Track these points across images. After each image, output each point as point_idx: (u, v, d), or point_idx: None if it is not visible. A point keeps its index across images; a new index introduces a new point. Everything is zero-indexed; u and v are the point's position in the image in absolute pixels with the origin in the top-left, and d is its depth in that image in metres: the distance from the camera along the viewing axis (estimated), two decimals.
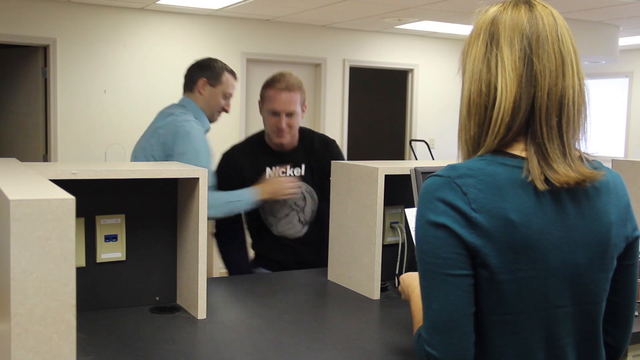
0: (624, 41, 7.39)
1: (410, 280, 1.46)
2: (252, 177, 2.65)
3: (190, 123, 2.69)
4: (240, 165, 2.70)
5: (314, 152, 2.75)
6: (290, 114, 2.64)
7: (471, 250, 1.10)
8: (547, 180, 1.12)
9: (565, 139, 1.15)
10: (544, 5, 1.19)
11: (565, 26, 1.18)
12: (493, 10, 1.20)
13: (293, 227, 2.70)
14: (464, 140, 1.21)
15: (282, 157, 2.71)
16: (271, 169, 2.67)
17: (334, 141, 2.84)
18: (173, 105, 2.88)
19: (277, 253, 2.71)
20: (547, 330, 1.15)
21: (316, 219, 2.73)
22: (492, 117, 1.15)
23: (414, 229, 1.72)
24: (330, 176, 2.68)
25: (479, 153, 1.18)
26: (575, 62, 1.17)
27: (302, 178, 2.69)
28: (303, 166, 2.71)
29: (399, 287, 1.55)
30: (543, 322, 1.14)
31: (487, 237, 1.09)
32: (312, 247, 2.70)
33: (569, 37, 1.17)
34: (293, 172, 2.69)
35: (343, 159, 2.78)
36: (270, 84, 2.70)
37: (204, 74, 2.86)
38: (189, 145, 2.60)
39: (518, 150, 1.16)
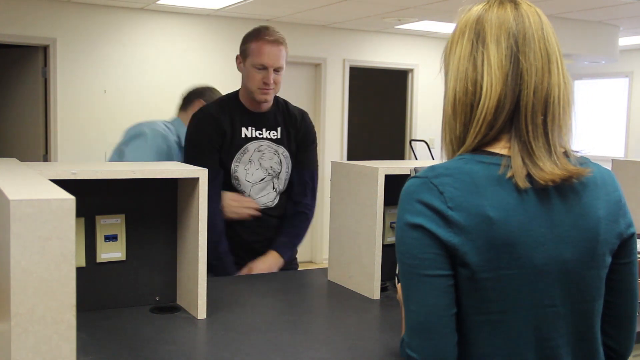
0: (624, 41, 7.39)
1: None
2: (230, 139, 2.52)
3: (142, 126, 3.03)
4: (222, 124, 2.53)
5: (291, 117, 2.65)
6: (278, 70, 2.51)
7: (450, 249, 1.09)
8: (530, 178, 1.11)
9: (550, 137, 1.14)
10: (528, 4, 1.19)
11: (550, 25, 1.18)
12: (477, 8, 1.19)
13: (267, 194, 2.59)
14: (448, 140, 1.20)
15: (257, 118, 2.58)
16: (247, 129, 2.56)
17: (307, 113, 2.75)
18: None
19: (242, 227, 2.56)
20: (536, 331, 1.13)
21: (286, 189, 2.65)
22: (476, 116, 1.14)
23: None
24: (307, 147, 2.68)
25: (459, 152, 1.17)
26: (560, 60, 1.16)
27: (279, 141, 2.61)
28: (279, 129, 2.61)
29: (397, 296, 1.54)
30: (531, 322, 1.12)
31: (465, 235, 1.08)
32: (278, 222, 2.64)
33: (553, 36, 1.17)
34: (269, 134, 2.59)
35: (315, 133, 2.74)
36: (255, 36, 2.52)
37: (201, 97, 3.08)
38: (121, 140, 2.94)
39: (498, 148, 1.15)
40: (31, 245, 1.04)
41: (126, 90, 6.26)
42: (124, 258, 1.90)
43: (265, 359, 1.55)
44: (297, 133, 2.66)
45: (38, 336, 1.06)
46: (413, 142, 7.74)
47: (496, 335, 1.12)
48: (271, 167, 2.59)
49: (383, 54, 7.59)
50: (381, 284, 2.07)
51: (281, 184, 2.63)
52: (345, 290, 2.15)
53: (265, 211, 2.60)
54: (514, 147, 1.13)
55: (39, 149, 6.03)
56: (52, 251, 1.06)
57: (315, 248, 7.33)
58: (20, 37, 5.82)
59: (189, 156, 2.53)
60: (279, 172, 2.62)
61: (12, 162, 1.84)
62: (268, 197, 2.61)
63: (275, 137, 2.60)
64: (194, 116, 2.60)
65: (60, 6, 5.93)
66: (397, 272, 2.14)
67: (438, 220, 1.09)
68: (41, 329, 1.06)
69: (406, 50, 7.72)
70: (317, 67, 7.23)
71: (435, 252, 1.09)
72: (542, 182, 1.11)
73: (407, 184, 1.16)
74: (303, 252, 7.32)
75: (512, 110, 1.13)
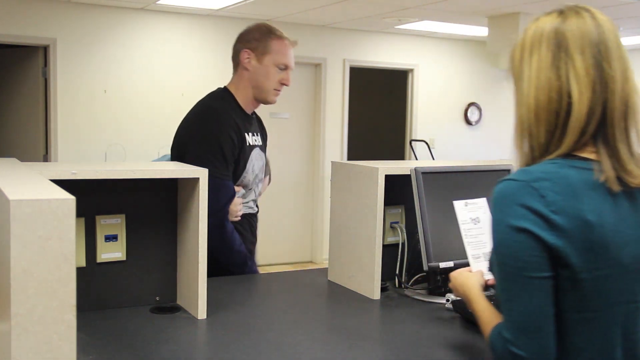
0: (624, 41, 7.37)
1: (464, 279, 1.49)
2: (241, 149, 2.36)
3: None
4: (241, 132, 2.35)
5: (259, 121, 2.58)
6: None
7: (553, 251, 1.14)
8: (619, 181, 1.18)
9: (630, 141, 1.22)
10: (601, 13, 1.25)
11: (618, 32, 1.26)
12: (550, 19, 1.25)
13: (249, 201, 2.47)
14: (529, 146, 1.26)
15: (251, 121, 2.46)
16: (247, 134, 2.41)
17: None
18: None
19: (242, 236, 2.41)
20: (623, 326, 1.21)
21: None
22: (569, 122, 1.20)
23: (462, 224, 1.72)
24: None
25: (549, 157, 1.22)
26: (631, 66, 1.24)
27: (262, 147, 2.51)
28: (258, 134, 2.51)
29: (450, 284, 1.57)
30: (619, 318, 1.20)
31: (567, 238, 1.14)
32: (254, 231, 2.54)
33: (622, 43, 1.25)
34: (257, 139, 2.47)
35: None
36: (275, 34, 2.40)
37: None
38: None
39: (586, 152, 1.21)
40: (31, 245, 1.04)
41: (126, 90, 6.26)
42: (124, 258, 1.90)
43: (265, 359, 1.55)
44: (265, 138, 2.58)
45: (38, 336, 1.06)
46: (413, 142, 7.74)
47: (589, 331, 1.19)
48: (258, 174, 2.49)
49: (383, 54, 7.59)
50: (381, 284, 2.06)
51: (259, 191, 2.53)
52: (345, 290, 2.15)
53: (249, 219, 2.49)
54: (602, 152, 1.20)
55: (39, 149, 6.03)
56: (52, 251, 1.05)
57: (315, 248, 7.33)
58: (20, 37, 5.82)
59: (208, 161, 2.14)
60: (261, 179, 2.52)
61: (12, 162, 1.84)
62: (250, 204, 2.49)
63: (258, 143, 2.49)
64: (214, 113, 2.34)
65: (60, 6, 5.93)
66: (397, 271, 2.13)
67: (542, 224, 1.14)
68: (41, 329, 1.06)
69: (406, 50, 7.72)
70: (317, 67, 7.23)
71: (540, 255, 1.15)
72: (632, 186, 1.18)
73: (502, 186, 1.21)
74: (303, 252, 7.35)
75: (601, 116, 1.20)
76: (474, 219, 1.73)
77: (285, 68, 2.40)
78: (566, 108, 1.20)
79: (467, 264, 2.00)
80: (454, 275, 1.55)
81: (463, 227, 1.71)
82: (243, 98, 2.43)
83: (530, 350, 1.16)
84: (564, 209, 1.14)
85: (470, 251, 1.65)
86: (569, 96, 1.19)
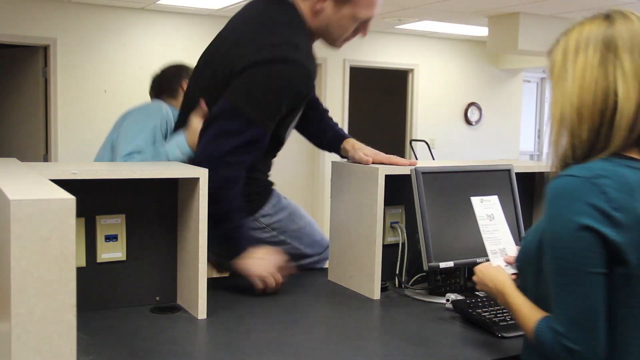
0: None
1: (494, 273, 1.49)
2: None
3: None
4: (314, 84, 2.11)
5: None
6: None
7: (612, 248, 1.17)
8: None
9: None
10: None
11: None
12: (596, 22, 1.28)
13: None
14: (570, 144, 1.28)
15: None
16: None
17: None
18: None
19: None
20: None
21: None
22: (615, 121, 1.23)
23: (479, 219, 1.72)
24: None
25: (599, 156, 1.25)
26: None
27: None
28: None
29: (474, 278, 1.57)
30: None
31: (627, 235, 1.17)
32: None
33: None
34: None
35: None
36: None
37: (186, 76, 2.92)
38: None
39: (633, 153, 1.25)
40: (31, 245, 1.04)
41: (126, 90, 6.26)
42: (124, 258, 1.90)
43: (265, 359, 1.55)
44: None
45: (38, 336, 1.06)
46: (413, 142, 7.74)
47: (637, 327, 1.22)
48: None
49: (383, 54, 7.59)
50: (381, 284, 2.06)
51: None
52: (345, 290, 2.15)
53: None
54: None
55: (39, 149, 6.03)
56: (52, 251, 1.06)
57: None
58: (20, 37, 5.82)
59: (254, 98, 1.89)
60: None
61: (13, 162, 1.84)
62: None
63: None
64: (292, 65, 1.99)
65: (60, 6, 5.93)
66: (397, 271, 2.13)
67: (604, 221, 1.17)
68: (41, 329, 1.06)
69: (406, 50, 7.72)
70: (317, 67, 7.22)
71: (599, 251, 1.18)
72: None
73: (562, 182, 1.23)
74: None
75: None
76: (490, 215, 1.74)
77: (366, 21, 2.04)
78: (612, 107, 1.23)
79: (467, 264, 2.01)
80: (480, 269, 1.54)
81: (481, 223, 1.72)
82: (315, 30, 2.07)
83: (584, 345, 1.18)
84: (623, 206, 1.18)
85: (488, 247, 1.65)
86: (616, 95, 1.22)
